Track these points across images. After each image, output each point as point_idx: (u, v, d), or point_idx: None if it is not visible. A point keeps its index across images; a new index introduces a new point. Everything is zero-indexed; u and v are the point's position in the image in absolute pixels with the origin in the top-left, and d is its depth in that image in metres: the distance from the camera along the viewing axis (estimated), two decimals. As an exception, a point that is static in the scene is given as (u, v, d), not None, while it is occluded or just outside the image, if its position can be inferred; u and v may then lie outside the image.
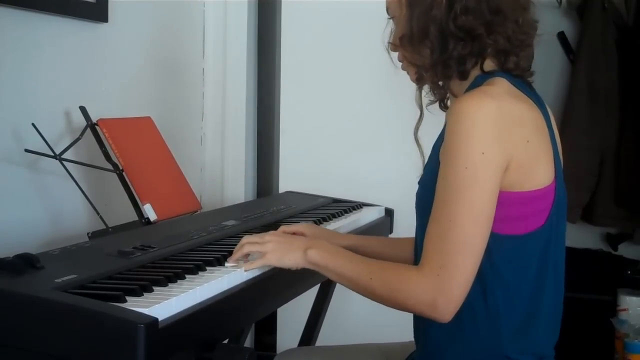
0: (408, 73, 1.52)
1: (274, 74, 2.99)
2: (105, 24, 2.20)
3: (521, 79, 1.45)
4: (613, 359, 3.14)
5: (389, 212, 2.29)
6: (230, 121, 2.87)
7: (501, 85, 1.40)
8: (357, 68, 2.75)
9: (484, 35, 1.40)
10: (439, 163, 1.37)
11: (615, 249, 3.50)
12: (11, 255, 1.35)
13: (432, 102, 1.54)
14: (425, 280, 1.31)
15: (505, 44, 1.41)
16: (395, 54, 1.53)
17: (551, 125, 1.45)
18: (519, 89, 1.42)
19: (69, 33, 2.10)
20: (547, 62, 3.52)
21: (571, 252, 3.59)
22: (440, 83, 1.46)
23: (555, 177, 1.40)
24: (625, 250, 3.47)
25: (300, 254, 1.46)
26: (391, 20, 1.52)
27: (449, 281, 1.29)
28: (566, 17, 3.55)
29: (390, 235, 2.29)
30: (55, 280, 1.26)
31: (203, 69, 2.84)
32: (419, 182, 1.49)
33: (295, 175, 2.83)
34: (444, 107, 1.54)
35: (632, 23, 3.32)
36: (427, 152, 1.49)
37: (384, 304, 1.39)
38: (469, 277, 1.30)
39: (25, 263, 1.33)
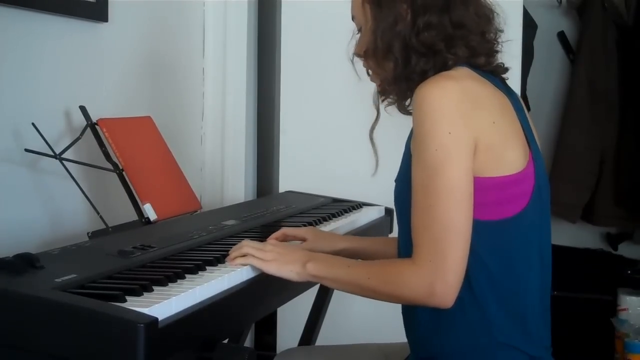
0: (375, 83, 1.55)
1: (274, 74, 2.99)
2: (105, 23, 2.19)
3: (491, 74, 1.46)
4: (613, 359, 3.14)
5: (389, 212, 2.28)
6: (230, 121, 2.87)
7: (462, 71, 1.41)
8: (357, 68, 2.74)
9: (443, 51, 1.41)
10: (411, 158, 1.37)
11: (615, 249, 3.51)
12: (11, 255, 1.35)
13: (390, 104, 1.54)
14: (420, 270, 1.31)
15: (470, 53, 1.42)
16: (359, 66, 1.55)
17: (524, 114, 1.46)
18: (483, 77, 1.43)
19: (69, 33, 2.09)
20: (547, 62, 3.53)
21: (571, 252, 3.62)
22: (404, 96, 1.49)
23: (534, 163, 1.40)
24: (625, 250, 3.47)
25: (299, 268, 1.46)
26: (357, 30, 1.54)
27: (442, 266, 1.30)
28: (566, 17, 3.56)
29: (390, 235, 2.29)
30: (55, 280, 1.26)
31: (203, 69, 2.84)
32: (395, 180, 1.49)
33: (295, 175, 2.83)
34: (403, 110, 1.54)
35: (632, 23, 3.32)
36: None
37: (386, 301, 1.40)
38: (461, 259, 1.31)
39: (25, 263, 1.33)
